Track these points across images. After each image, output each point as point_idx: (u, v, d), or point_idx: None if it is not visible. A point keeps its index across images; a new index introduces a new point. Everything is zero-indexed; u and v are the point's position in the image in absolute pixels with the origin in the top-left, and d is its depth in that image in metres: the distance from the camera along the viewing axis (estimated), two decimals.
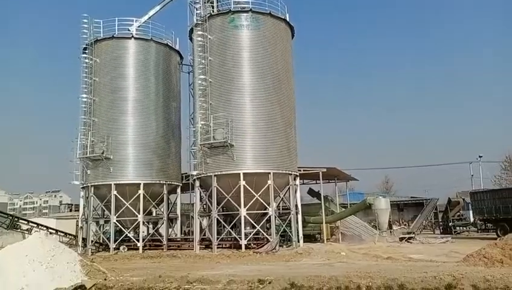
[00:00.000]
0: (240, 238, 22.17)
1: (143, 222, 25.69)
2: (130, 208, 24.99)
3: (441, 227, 37.84)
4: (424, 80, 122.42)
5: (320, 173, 27.30)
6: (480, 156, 52.36)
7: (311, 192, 34.09)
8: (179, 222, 28.03)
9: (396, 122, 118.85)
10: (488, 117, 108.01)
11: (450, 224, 35.15)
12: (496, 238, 17.27)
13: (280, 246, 22.64)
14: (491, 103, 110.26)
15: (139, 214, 25.12)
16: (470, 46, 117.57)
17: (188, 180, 26.68)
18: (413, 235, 29.15)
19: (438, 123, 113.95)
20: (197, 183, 24.11)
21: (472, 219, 35.55)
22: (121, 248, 24.90)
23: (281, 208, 27.43)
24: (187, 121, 26.93)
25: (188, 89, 28.11)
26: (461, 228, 35.77)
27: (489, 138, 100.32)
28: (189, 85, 28.09)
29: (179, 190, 27.84)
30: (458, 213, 36.71)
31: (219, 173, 22.72)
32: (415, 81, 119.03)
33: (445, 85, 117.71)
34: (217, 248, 22.67)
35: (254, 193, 22.14)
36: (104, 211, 27.07)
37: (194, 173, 23.70)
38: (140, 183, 25.13)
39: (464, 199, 38.03)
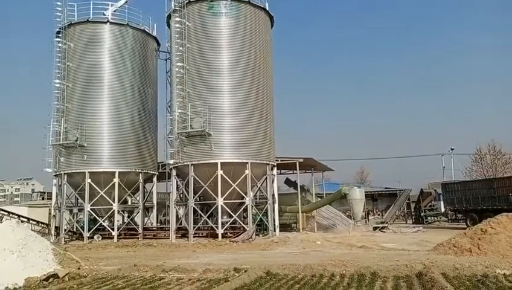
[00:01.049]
0: (217, 227, 22.21)
1: (118, 211, 25.42)
2: (105, 196, 24.67)
3: (413, 217, 38.91)
4: (402, 71, 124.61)
5: (297, 163, 27.54)
6: (452, 149, 53.98)
7: (288, 182, 34.38)
8: (154, 211, 27.91)
9: (373, 114, 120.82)
10: (462, 111, 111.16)
11: (422, 214, 36.16)
12: (465, 228, 17.90)
13: (256, 235, 22.80)
14: (465, 96, 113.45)
15: (114, 202, 24.85)
16: (453, 35, 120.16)
17: (165, 169, 26.49)
18: (386, 225, 29.88)
19: (413, 115, 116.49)
20: (174, 172, 23.95)
21: (443, 209, 36.72)
22: (95, 237, 24.58)
23: (257, 197, 27.59)
24: (164, 109, 26.77)
25: (165, 76, 27.82)
26: (432, 218, 36.86)
27: (462, 131, 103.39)
28: (166, 72, 27.74)
29: (155, 179, 27.66)
30: (430, 204, 37.79)
31: (196, 162, 22.62)
32: (392, 71, 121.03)
33: (423, 77, 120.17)
34: (194, 237, 22.65)
35: (231, 183, 22.15)
36: (77, 199, 26.63)
37: (171, 161, 23.54)
38: (115, 172, 24.79)
39: (435, 190, 39.19)
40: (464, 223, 28.82)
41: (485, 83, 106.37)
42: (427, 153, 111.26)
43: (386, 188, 59.29)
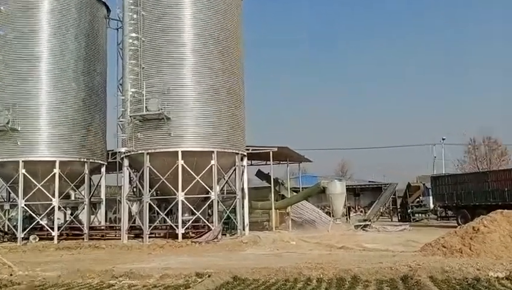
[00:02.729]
0: (177, 226, 22.18)
1: (59, 207, 25.01)
2: (43, 190, 24.17)
3: (399, 214, 40.01)
4: (387, 52, 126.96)
5: (271, 153, 27.71)
6: (443, 138, 55.78)
7: (260, 174, 34.57)
8: (103, 207, 27.64)
9: (355, 99, 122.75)
10: (454, 96, 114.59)
11: (408, 211, 37.22)
12: (456, 227, 18.51)
13: (223, 234, 22.92)
14: (457, 83, 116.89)
15: (53, 197, 24.43)
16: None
17: (115, 158, 26.17)
18: (369, 223, 30.56)
19: (400, 102, 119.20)
20: (126, 162, 23.68)
21: (432, 206, 37.90)
22: (31, 237, 24.09)
23: (225, 191, 27.59)
24: (114, 88, 26.24)
25: (116, 48, 27.19)
26: (420, 215, 38.03)
27: (454, 119, 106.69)
28: (117, 44, 27.08)
29: (103, 170, 27.32)
30: (418, 199, 38.92)
31: (153, 150, 22.42)
32: (378, 54, 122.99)
33: (411, 60, 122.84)
34: (149, 237, 22.58)
35: (194, 175, 22.10)
36: (9, 193, 26.04)
37: (122, 149, 23.25)
38: (55, 161, 24.29)
39: (424, 184, 40.34)
40: (455, 221, 29.85)
41: (482, 66, 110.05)
42: (416, 143, 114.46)
43: (369, 181, 60.72)
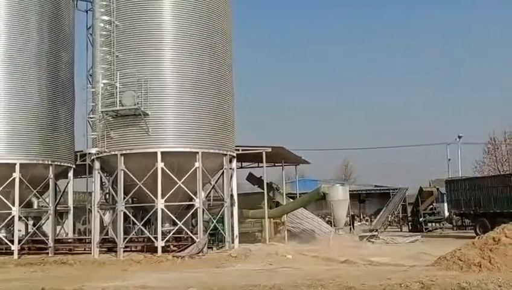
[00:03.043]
0: (156, 238, 22.11)
1: (19, 217, 24.87)
2: (1, 197, 24.10)
3: (409, 223, 40.28)
4: (393, 47, 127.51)
5: (264, 153, 27.67)
6: (459, 137, 56.14)
7: (252, 178, 34.53)
8: (70, 217, 27.54)
9: (359, 95, 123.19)
10: (472, 90, 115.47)
11: (420, 219, 37.51)
12: (474, 237, 18.65)
13: (209, 248, 22.86)
14: (477, 73, 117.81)
15: (13, 206, 24.31)
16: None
17: (84, 160, 26.05)
18: (376, 233, 30.70)
19: (409, 97, 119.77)
20: (97, 164, 23.60)
21: (447, 214, 38.18)
22: None
23: (211, 198, 27.49)
24: (83, 80, 26.18)
25: (85, 34, 27.08)
26: (434, 224, 38.33)
27: (472, 115, 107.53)
28: (87, 29, 27.03)
29: (71, 174, 27.24)
30: (431, 206, 39.24)
31: (128, 151, 22.35)
32: (383, 49, 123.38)
33: (422, 49, 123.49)
34: (124, 251, 22.49)
35: (176, 179, 22.04)
36: None
37: (93, 150, 23.18)
38: (15, 164, 24.16)
39: (438, 189, 40.69)
40: (473, 231, 30.11)
41: (501, 56, 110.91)
42: (428, 142, 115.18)
43: (376, 186, 60.95)
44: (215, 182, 25.75)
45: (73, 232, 28.40)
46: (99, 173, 23.80)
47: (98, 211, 23.89)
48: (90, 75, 25.22)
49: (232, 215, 24.70)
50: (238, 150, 26.03)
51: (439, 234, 35.88)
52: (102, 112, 22.44)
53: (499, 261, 14.30)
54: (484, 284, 11.60)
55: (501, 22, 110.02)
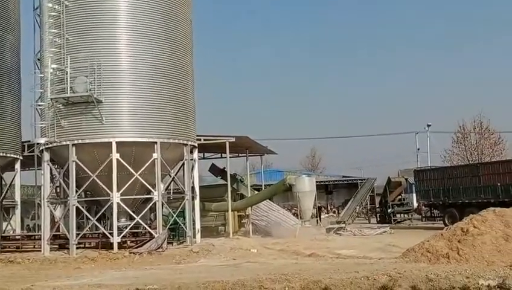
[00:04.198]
0: (111, 234, 21.95)
1: None
2: None
3: (378, 214, 41.07)
4: (359, 32, 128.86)
5: (227, 143, 27.75)
6: (428, 125, 57.50)
7: (214, 169, 34.58)
8: (18, 212, 27.22)
9: (327, 82, 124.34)
10: (441, 77, 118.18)
11: (389, 211, 38.28)
12: (443, 228, 19.17)
13: (169, 243, 22.83)
14: (445, 58, 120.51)
15: None
16: None
17: (33, 151, 25.72)
18: (343, 225, 31.23)
19: (378, 84, 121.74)
20: (46, 155, 23.23)
21: (416, 204, 39.08)
22: None
23: (171, 191, 27.46)
24: (31, 65, 25.53)
25: (32, 15, 26.39)
26: (402, 215, 39.19)
27: (441, 103, 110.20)
28: (34, 9, 26.23)
29: (18, 166, 26.86)
30: (399, 197, 40.09)
31: (80, 141, 22.07)
32: (349, 35, 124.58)
33: (383, 40, 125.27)
34: (77, 248, 22.23)
35: (132, 171, 21.93)
36: None
37: (42, 140, 22.74)
38: None
39: (407, 179, 41.60)
40: (442, 222, 30.94)
41: (473, 41, 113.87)
42: (397, 131, 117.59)
43: (343, 176, 62.02)
44: (175, 174, 25.73)
45: (22, 229, 28.19)
46: (49, 164, 23.40)
47: (48, 206, 23.51)
48: (38, 60, 24.64)
49: (193, 209, 24.71)
50: (200, 139, 26.04)
51: (407, 225, 36.71)
52: (51, 99, 22.05)
53: (468, 253, 14.74)
54: (452, 275, 11.97)
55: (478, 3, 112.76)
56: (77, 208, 22.59)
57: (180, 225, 24.30)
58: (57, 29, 22.41)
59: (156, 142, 22.45)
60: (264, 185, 36.93)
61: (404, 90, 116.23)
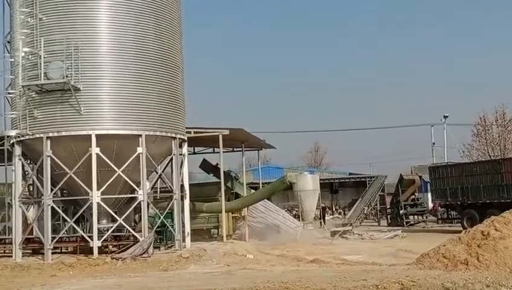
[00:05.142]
0: (91, 237, 21.94)
1: None
2: None
3: (388, 216, 41.22)
4: (371, 18, 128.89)
5: (220, 136, 27.70)
6: (445, 116, 57.49)
7: (206, 165, 34.58)
8: None
9: (332, 70, 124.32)
10: (458, 63, 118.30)
11: (401, 212, 38.43)
12: (461, 231, 19.19)
13: (155, 248, 22.86)
14: (465, 43, 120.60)
15: None
16: None
17: (2, 145, 25.19)
18: (350, 227, 31.30)
19: (388, 72, 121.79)
20: (18, 150, 23.16)
21: (431, 205, 39.19)
22: None
23: (158, 190, 27.42)
24: (0, 47, 25.36)
25: None
26: (416, 217, 39.36)
27: (460, 92, 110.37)
28: None
29: None
30: (413, 196, 40.27)
31: (55, 133, 22.01)
32: (360, 21, 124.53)
33: (396, 26, 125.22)
34: (53, 253, 22.23)
35: (115, 167, 21.92)
36: None
37: (12, 133, 22.68)
38: None
39: (421, 177, 41.75)
40: (460, 225, 31.04)
41: (493, 24, 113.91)
42: (410, 123, 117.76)
43: (350, 174, 62.11)
44: (163, 171, 25.75)
45: None
46: (20, 160, 23.33)
47: (20, 206, 23.44)
48: (8, 42, 24.54)
49: (182, 210, 24.70)
50: (190, 132, 26.04)
51: (422, 228, 36.88)
52: (23, 86, 21.94)
53: (488, 258, 14.77)
54: (471, 284, 11.98)
55: None
56: (52, 208, 22.52)
57: (168, 227, 24.29)
58: (28, 8, 22.29)
59: (140, 135, 22.40)
60: (262, 183, 36.96)
61: (418, 77, 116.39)
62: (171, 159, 24.61)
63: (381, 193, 43.08)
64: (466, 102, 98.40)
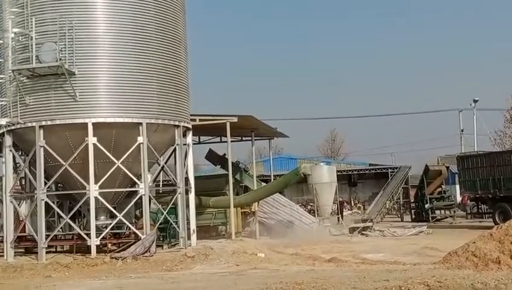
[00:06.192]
0: (88, 235, 22.01)
1: None
2: None
3: (412, 211, 41.11)
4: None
5: (228, 124, 27.69)
6: (475, 101, 57.14)
7: (212, 156, 34.59)
8: None
9: (348, 52, 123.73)
10: (489, 44, 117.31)
11: (426, 206, 38.30)
12: (492, 227, 19.11)
13: (158, 246, 22.98)
14: (494, 24, 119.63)
15: None
16: None
17: None
18: (370, 223, 31.26)
19: (413, 52, 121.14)
20: (9, 140, 23.27)
21: (459, 198, 39.06)
22: None
23: (160, 183, 27.47)
24: None
25: None
26: (443, 211, 39.22)
27: (490, 75, 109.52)
28: None
29: None
30: (439, 189, 40.09)
31: (49, 122, 22.10)
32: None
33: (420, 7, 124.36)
34: (47, 252, 22.40)
35: (113, 159, 21.99)
36: None
37: (2, 121, 22.76)
38: None
39: (448, 168, 41.54)
40: (491, 220, 30.92)
41: None
42: (436, 109, 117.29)
43: (370, 165, 61.96)
44: (165, 162, 25.82)
45: None
46: (11, 151, 23.44)
47: (12, 201, 23.58)
48: None
49: (187, 205, 24.80)
50: (195, 120, 26.09)
51: (449, 223, 36.76)
52: (13, 71, 22.01)
53: None
54: (503, 284, 11.95)
55: None
56: (46, 203, 22.62)
57: (171, 224, 24.37)
58: None
59: (141, 123, 22.45)
60: (274, 175, 36.95)
61: (445, 59, 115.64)
62: (175, 149, 24.65)
63: (405, 186, 42.98)
64: (498, 85, 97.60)
